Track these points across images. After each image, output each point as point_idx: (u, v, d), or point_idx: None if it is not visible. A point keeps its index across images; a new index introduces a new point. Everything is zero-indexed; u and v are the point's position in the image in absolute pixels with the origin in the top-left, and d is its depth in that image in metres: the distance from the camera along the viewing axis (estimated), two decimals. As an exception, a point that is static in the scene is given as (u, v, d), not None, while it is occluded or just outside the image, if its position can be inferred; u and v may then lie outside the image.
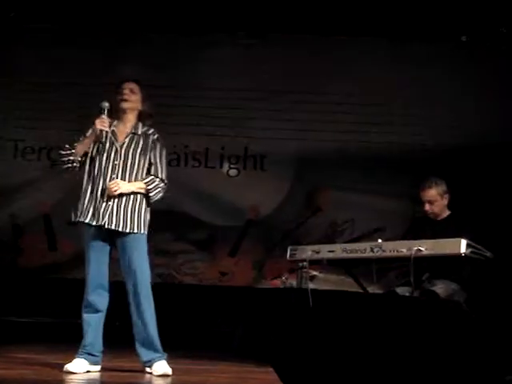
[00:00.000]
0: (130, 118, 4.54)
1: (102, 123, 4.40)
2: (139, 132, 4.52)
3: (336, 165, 8.32)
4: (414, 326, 3.43)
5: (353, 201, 8.28)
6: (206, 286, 8.21)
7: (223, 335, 6.90)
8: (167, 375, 4.33)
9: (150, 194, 4.44)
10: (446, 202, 5.28)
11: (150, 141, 4.51)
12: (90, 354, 4.43)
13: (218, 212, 8.31)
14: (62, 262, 8.23)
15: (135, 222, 4.41)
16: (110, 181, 4.39)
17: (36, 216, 8.29)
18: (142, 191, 4.44)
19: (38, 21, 8.18)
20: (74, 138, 4.55)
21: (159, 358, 4.41)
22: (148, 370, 4.43)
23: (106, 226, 4.38)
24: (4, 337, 6.64)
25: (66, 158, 4.45)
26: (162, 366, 4.37)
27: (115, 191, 4.35)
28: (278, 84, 8.35)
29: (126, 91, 4.50)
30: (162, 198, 4.54)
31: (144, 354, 4.43)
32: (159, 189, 4.47)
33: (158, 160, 4.50)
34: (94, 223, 4.40)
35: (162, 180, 4.48)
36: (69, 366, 4.33)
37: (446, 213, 5.29)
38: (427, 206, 5.25)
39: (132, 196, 4.42)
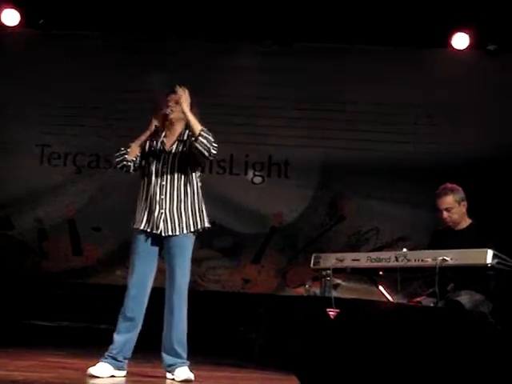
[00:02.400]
0: (177, 128, 4.65)
1: (158, 120, 4.56)
2: (185, 138, 4.62)
3: (360, 173, 8.30)
4: (437, 337, 3.40)
5: (377, 209, 8.26)
6: (229, 293, 8.22)
7: (245, 342, 6.90)
8: (189, 381, 4.35)
9: (200, 137, 4.43)
10: (464, 209, 5.12)
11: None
12: (114, 358, 4.43)
13: (242, 219, 8.33)
14: (86, 267, 8.29)
15: (185, 224, 4.51)
16: (160, 188, 4.50)
17: (61, 221, 8.37)
18: (196, 126, 4.44)
19: (67, 27, 8.26)
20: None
21: (182, 364, 4.42)
22: (169, 375, 4.45)
23: (163, 234, 4.47)
24: (28, 340, 6.70)
25: (121, 158, 4.54)
26: (184, 372, 4.39)
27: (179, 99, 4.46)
28: (303, 92, 8.36)
29: (171, 103, 4.60)
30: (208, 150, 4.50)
31: (167, 358, 4.45)
32: (210, 138, 4.49)
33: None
34: (149, 230, 4.48)
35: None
36: (92, 370, 4.34)
37: (467, 222, 5.16)
38: (445, 214, 5.11)
39: (184, 202, 4.53)
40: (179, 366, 4.40)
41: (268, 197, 8.39)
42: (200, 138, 4.43)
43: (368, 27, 7.93)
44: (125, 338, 4.45)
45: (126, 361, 4.48)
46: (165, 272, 4.56)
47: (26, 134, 8.39)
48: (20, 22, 7.93)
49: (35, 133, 8.43)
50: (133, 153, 4.54)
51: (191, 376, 4.38)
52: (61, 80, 8.33)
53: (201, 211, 4.57)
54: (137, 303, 4.46)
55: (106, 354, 4.42)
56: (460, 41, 7.94)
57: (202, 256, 8.17)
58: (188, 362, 4.47)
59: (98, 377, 4.30)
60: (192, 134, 4.49)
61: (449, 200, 5.10)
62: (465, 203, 5.13)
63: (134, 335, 4.48)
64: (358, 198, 8.36)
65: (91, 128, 8.39)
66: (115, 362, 4.42)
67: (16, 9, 7.90)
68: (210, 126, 8.39)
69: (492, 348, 3.50)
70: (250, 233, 8.34)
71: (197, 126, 4.47)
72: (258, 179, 8.49)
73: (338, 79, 8.40)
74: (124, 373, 4.47)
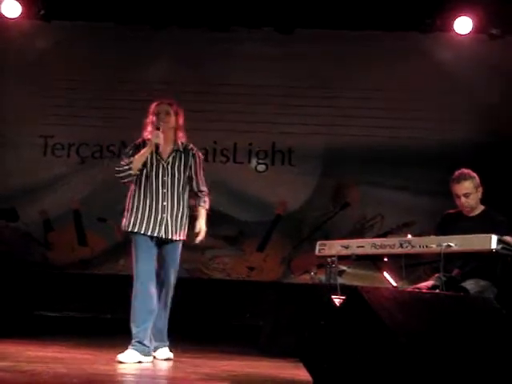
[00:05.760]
0: (170, 137, 5.03)
1: (158, 138, 4.90)
2: (180, 149, 5.04)
3: (364, 160, 8.29)
4: (442, 323, 3.40)
5: (381, 196, 8.25)
6: (235, 281, 8.23)
7: (251, 330, 6.92)
8: (170, 359, 5.01)
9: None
10: (479, 195, 5.08)
11: (190, 155, 5.06)
12: (142, 344, 4.78)
13: (246, 207, 8.33)
14: (91, 258, 8.31)
15: (181, 230, 5.02)
16: (162, 195, 4.94)
17: (66, 212, 8.37)
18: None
19: (67, 18, 8.23)
20: (127, 149, 5.12)
21: (164, 346, 5.06)
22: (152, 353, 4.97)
23: (164, 237, 4.93)
24: (35, 331, 6.72)
25: (126, 173, 4.93)
26: (165, 352, 5.05)
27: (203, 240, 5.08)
28: (306, 79, 8.34)
29: (162, 116, 4.98)
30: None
31: (154, 341, 4.99)
32: (208, 201, 5.12)
33: (198, 174, 5.08)
34: (149, 233, 4.91)
35: (207, 193, 5.12)
36: (120, 357, 4.65)
37: (480, 208, 5.12)
38: (463, 199, 5.04)
39: (181, 209, 5.01)
40: (161, 347, 5.04)
41: (272, 185, 8.38)
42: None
43: (369, 12, 7.88)
44: (146, 325, 4.83)
45: (153, 346, 4.94)
46: None
47: (28, 126, 8.39)
48: (21, 13, 7.90)
49: (38, 124, 8.41)
50: (136, 168, 4.91)
51: (171, 355, 5.05)
52: (62, 70, 8.31)
53: (188, 223, 5.06)
54: (148, 295, 4.86)
55: (133, 341, 4.77)
56: (463, 25, 7.88)
57: (206, 244, 8.12)
58: (168, 343, 5.09)
59: (126, 363, 4.60)
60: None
61: (467, 185, 5.05)
62: (480, 189, 5.09)
63: (152, 321, 4.90)
64: (362, 185, 8.35)
65: (94, 118, 8.38)
66: (142, 347, 4.76)
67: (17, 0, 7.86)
68: (213, 115, 8.43)
69: (497, 333, 3.50)
70: (255, 221, 8.34)
71: (205, 215, 5.10)
72: (261, 167, 8.48)
73: (340, 66, 8.36)
74: (151, 358, 4.84)
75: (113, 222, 8.19)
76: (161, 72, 8.27)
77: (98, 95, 8.37)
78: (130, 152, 5.00)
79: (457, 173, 5.12)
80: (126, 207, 5.01)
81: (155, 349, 5.02)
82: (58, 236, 8.36)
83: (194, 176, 5.05)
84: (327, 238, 6.06)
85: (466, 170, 5.13)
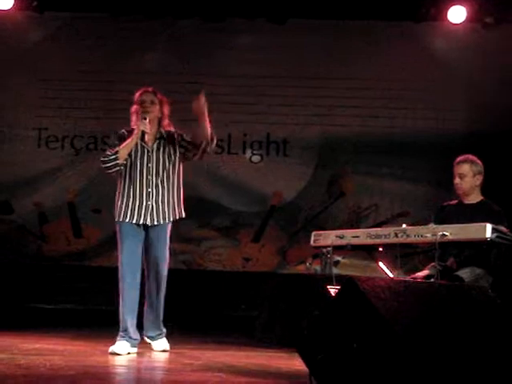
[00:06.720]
0: (154, 125, 5.03)
1: (145, 126, 4.90)
2: (164, 136, 5.05)
3: (359, 150, 8.30)
4: (437, 312, 3.41)
5: (376, 186, 8.27)
6: (230, 272, 8.24)
7: (247, 320, 6.93)
8: (167, 350, 5.00)
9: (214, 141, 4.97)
10: (477, 182, 5.06)
11: (174, 135, 5.05)
12: (130, 337, 4.81)
13: (241, 198, 8.33)
14: (87, 249, 8.30)
15: (169, 213, 4.98)
16: (146, 182, 4.92)
17: (60, 204, 8.36)
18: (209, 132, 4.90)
19: (60, 9, 8.20)
20: (111, 140, 5.16)
21: (161, 336, 5.07)
22: (148, 340, 5.06)
23: (149, 224, 4.91)
24: (31, 323, 6.73)
25: (113, 163, 4.91)
26: (162, 343, 5.05)
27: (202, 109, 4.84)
28: (300, 69, 8.32)
29: (147, 104, 4.99)
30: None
31: (151, 330, 5.04)
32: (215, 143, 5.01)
33: (184, 136, 5.04)
34: (135, 221, 4.91)
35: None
36: (114, 348, 4.70)
37: (478, 197, 5.10)
38: (457, 180, 5.06)
39: (168, 193, 4.97)
40: (158, 338, 5.04)
41: (267, 175, 8.38)
42: (213, 145, 4.97)
43: (362, 2, 7.87)
44: (132, 315, 4.85)
45: (149, 337, 5.04)
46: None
47: (22, 118, 8.37)
48: (14, 4, 7.87)
49: (32, 116, 8.40)
50: (123, 157, 4.90)
51: (167, 346, 5.04)
52: (55, 62, 8.28)
53: (180, 202, 5.03)
54: (133, 287, 4.88)
55: (122, 333, 4.80)
56: (456, 14, 7.87)
57: (202, 236, 8.18)
58: (164, 333, 5.07)
59: (119, 354, 4.64)
60: (204, 138, 4.89)
61: (465, 167, 5.06)
62: (479, 177, 5.08)
63: (136, 312, 4.93)
64: (356, 175, 8.36)
65: (88, 110, 8.37)
66: (131, 339, 4.81)
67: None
68: (207, 106, 8.39)
69: (492, 322, 3.51)
70: (250, 212, 8.34)
71: (212, 134, 4.91)
72: (256, 158, 8.47)
73: (334, 56, 8.36)
74: (136, 350, 4.84)
75: (108, 214, 8.19)
76: (155, 63, 8.25)
77: (91, 87, 8.35)
78: (116, 142, 4.97)
79: (461, 156, 5.15)
80: (116, 198, 5.02)
81: (152, 339, 5.06)
82: (53, 228, 8.36)
83: (181, 139, 5.01)
84: (322, 229, 6.06)
85: (471, 156, 5.16)
